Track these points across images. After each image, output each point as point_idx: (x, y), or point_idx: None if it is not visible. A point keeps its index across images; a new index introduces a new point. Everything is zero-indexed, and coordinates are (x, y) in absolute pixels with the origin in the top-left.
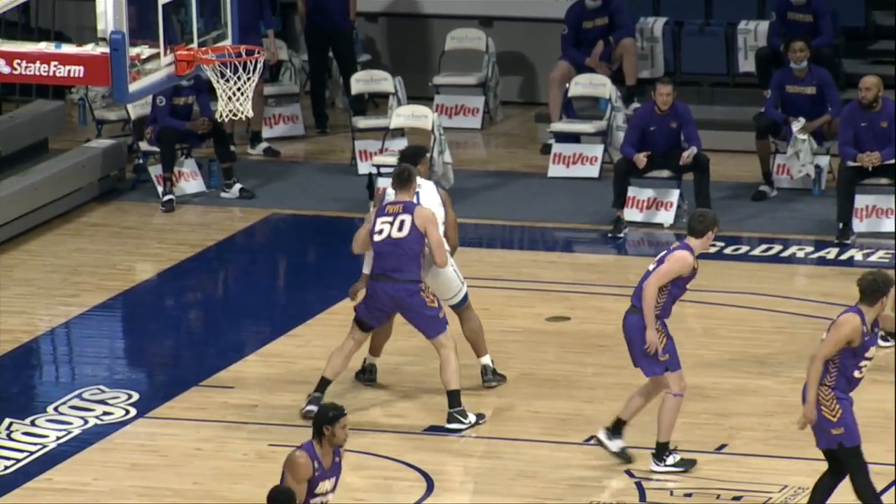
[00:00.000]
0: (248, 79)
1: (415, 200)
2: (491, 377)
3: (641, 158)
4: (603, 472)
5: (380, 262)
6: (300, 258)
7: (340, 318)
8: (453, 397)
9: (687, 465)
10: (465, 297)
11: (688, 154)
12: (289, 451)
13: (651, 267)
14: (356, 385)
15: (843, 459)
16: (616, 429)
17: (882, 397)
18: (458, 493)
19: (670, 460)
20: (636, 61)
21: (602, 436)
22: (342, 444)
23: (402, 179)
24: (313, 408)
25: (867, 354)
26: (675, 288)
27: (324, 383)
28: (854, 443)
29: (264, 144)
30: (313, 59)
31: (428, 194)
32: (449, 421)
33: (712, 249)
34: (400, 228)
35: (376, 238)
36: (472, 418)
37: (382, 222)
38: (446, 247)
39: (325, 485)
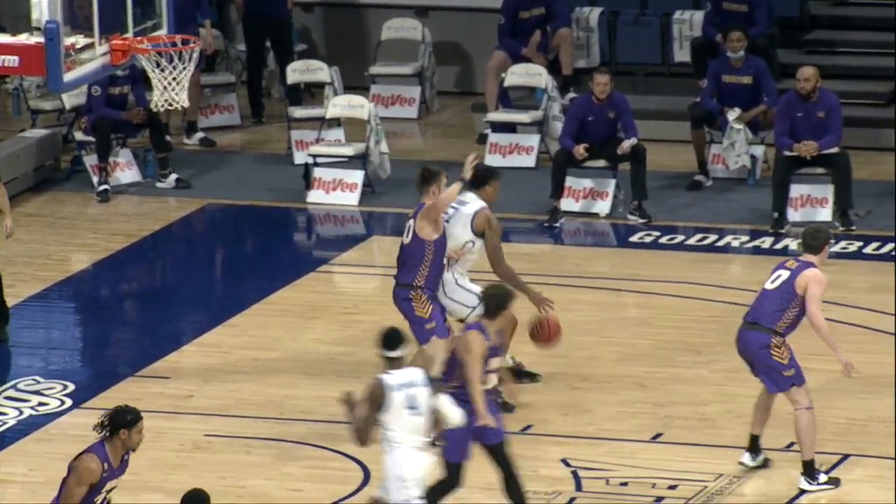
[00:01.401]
0: (184, 69)
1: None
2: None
3: (581, 151)
4: (539, 461)
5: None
6: (236, 248)
7: (277, 308)
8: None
9: (835, 483)
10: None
11: (627, 144)
12: (226, 441)
13: (770, 286)
14: (295, 372)
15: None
16: (754, 446)
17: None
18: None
19: (822, 478)
20: (572, 51)
21: (746, 459)
22: (136, 448)
23: (421, 180)
24: None
25: None
26: (802, 307)
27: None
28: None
29: (200, 134)
30: (251, 48)
31: (463, 216)
32: None
33: (648, 239)
34: (407, 233)
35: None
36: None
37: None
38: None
39: (111, 483)
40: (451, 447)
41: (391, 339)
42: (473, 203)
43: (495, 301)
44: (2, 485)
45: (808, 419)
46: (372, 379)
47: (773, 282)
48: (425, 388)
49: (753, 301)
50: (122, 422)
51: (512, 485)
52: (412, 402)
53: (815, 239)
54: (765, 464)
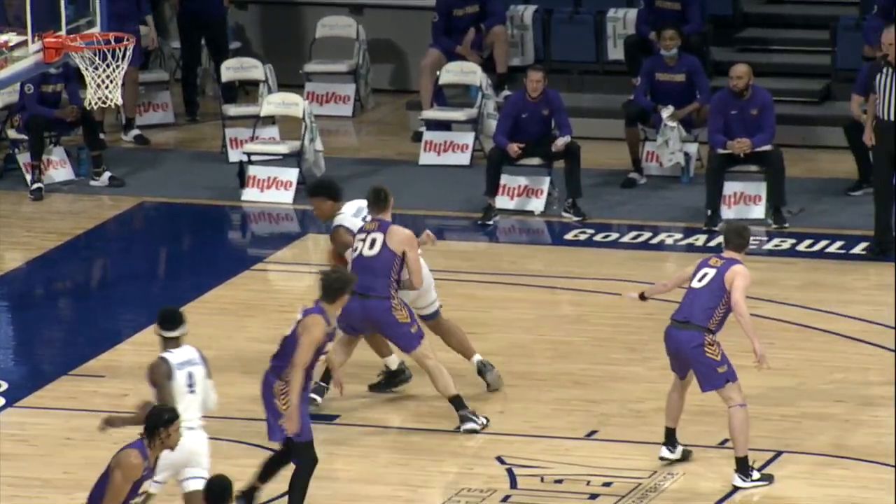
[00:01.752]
0: (117, 66)
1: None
2: (489, 369)
3: (515, 149)
4: (474, 458)
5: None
6: (171, 246)
7: (212, 306)
8: (457, 402)
9: (769, 479)
10: (438, 311)
11: (561, 142)
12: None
13: (697, 284)
14: (230, 370)
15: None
16: (671, 439)
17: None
18: (328, 480)
19: (755, 475)
20: (507, 49)
21: (665, 453)
22: (175, 446)
23: (378, 200)
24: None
25: None
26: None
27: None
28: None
29: (135, 131)
30: (186, 46)
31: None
32: (463, 421)
33: (583, 237)
34: (371, 246)
35: (350, 255)
36: (483, 420)
37: (358, 240)
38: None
39: (146, 485)
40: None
41: (170, 318)
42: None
43: (337, 284)
44: None
45: (742, 416)
46: (155, 359)
47: (700, 280)
48: (201, 366)
49: (682, 300)
50: (160, 420)
51: (254, 487)
52: (190, 381)
53: (739, 237)
54: (685, 456)
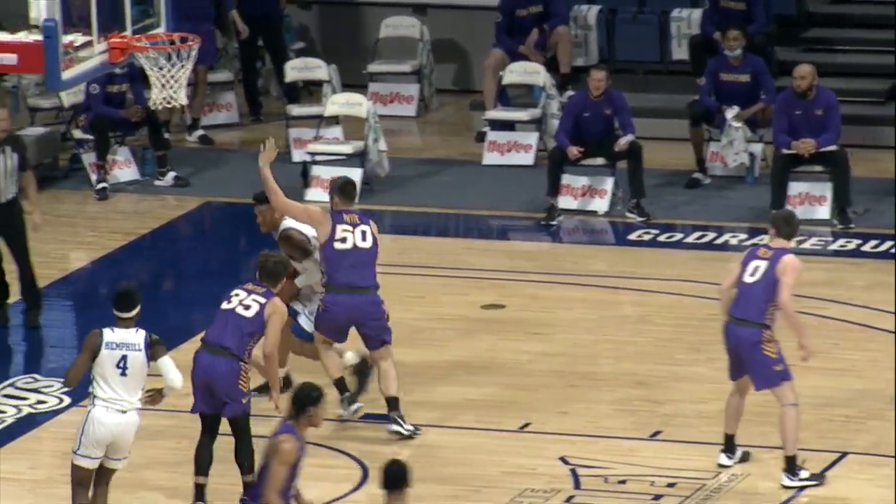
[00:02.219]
0: (182, 67)
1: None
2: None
3: (574, 152)
4: (538, 459)
5: (342, 273)
6: (235, 246)
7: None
8: (395, 403)
9: (819, 479)
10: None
11: (624, 141)
12: (225, 439)
13: (750, 279)
14: (294, 369)
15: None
16: (730, 445)
17: (818, 384)
18: None
19: (804, 474)
20: (570, 49)
21: (724, 460)
22: (320, 425)
23: (349, 191)
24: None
25: None
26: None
27: (341, 383)
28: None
29: (200, 132)
30: (244, 46)
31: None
32: (392, 423)
33: (646, 237)
34: (364, 238)
35: (340, 246)
36: (410, 427)
37: (344, 231)
38: None
39: (301, 463)
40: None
41: (126, 299)
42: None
43: (281, 267)
44: (2, 483)
45: (793, 415)
46: (94, 329)
47: (751, 275)
48: (141, 353)
49: (736, 297)
50: (309, 399)
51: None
52: (122, 363)
53: (788, 224)
54: (745, 457)
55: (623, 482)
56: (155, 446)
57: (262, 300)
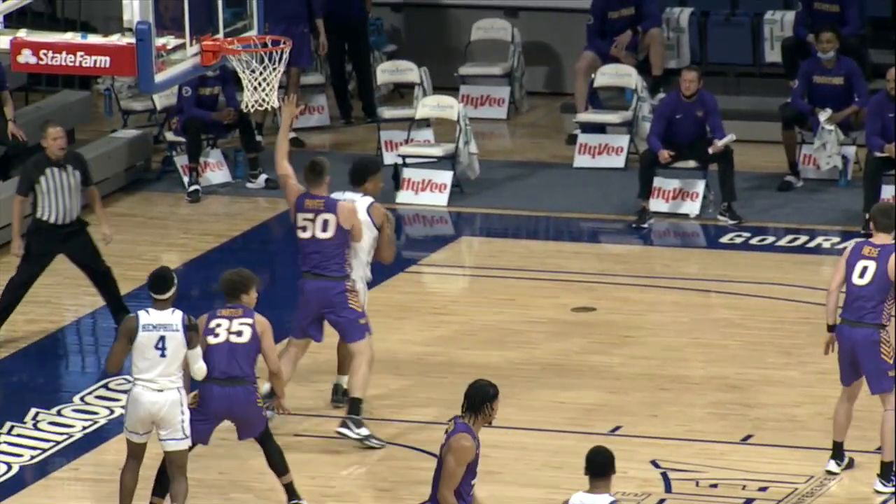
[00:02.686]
0: (274, 69)
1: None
2: (340, 397)
3: (665, 156)
4: (629, 462)
5: (306, 260)
6: None
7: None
8: (356, 405)
9: None
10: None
11: (721, 143)
12: (314, 441)
13: (860, 281)
14: (384, 372)
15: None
16: (838, 454)
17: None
18: (483, 482)
19: None
20: (662, 51)
21: (832, 467)
22: (492, 422)
23: (315, 173)
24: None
25: None
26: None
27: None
28: None
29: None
30: (331, 49)
31: (360, 212)
32: (342, 425)
33: (738, 240)
34: (324, 228)
35: (301, 235)
36: (364, 431)
37: (304, 220)
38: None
39: (478, 462)
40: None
41: (161, 281)
42: (361, 201)
43: (244, 279)
44: (91, 483)
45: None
46: (129, 314)
47: (861, 276)
48: (179, 333)
49: (847, 300)
50: (487, 395)
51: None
52: (161, 344)
53: (887, 217)
54: (850, 464)
55: (714, 486)
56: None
57: (249, 320)
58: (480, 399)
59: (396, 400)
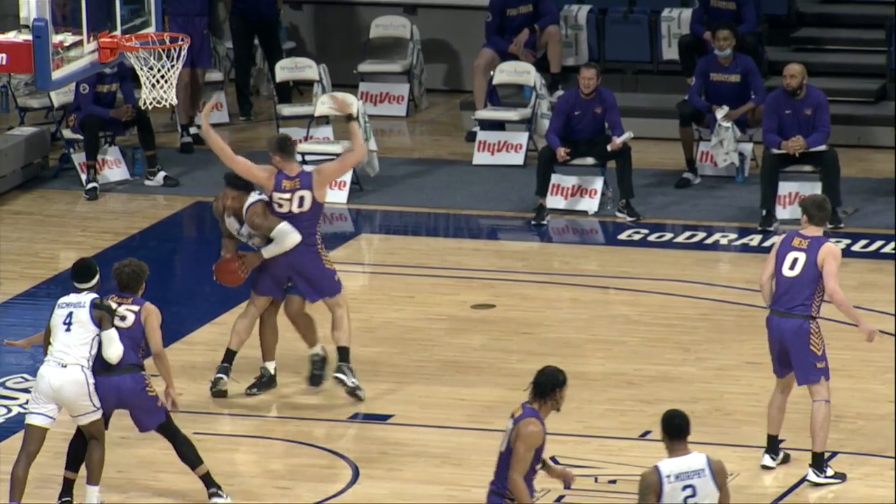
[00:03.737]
0: (172, 66)
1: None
2: (263, 382)
3: (562, 153)
4: None
5: None
6: None
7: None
8: (345, 352)
9: (842, 477)
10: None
11: (621, 139)
12: (216, 439)
13: (791, 273)
14: (282, 370)
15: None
16: (773, 448)
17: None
18: (383, 479)
19: (830, 472)
20: (561, 49)
21: (767, 461)
22: (560, 408)
23: (288, 151)
24: (223, 376)
25: None
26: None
27: (230, 354)
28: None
29: (189, 135)
30: (238, 46)
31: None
32: (338, 371)
33: (636, 237)
34: (300, 204)
35: (277, 210)
36: (356, 381)
37: (281, 199)
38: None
39: (545, 447)
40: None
41: (84, 270)
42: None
43: (137, 274)
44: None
45: (826, 412)
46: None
47: (791, 268)
48: (85, 310)
49: (777, 291)
50: (556, 381)
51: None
52: (68, 319)
53: (821, 210)
54: (786, 459)
55: (613, 482)
56: (148, 445)
57: (135, 308)
58: (550, 386)
59: (293, 396)
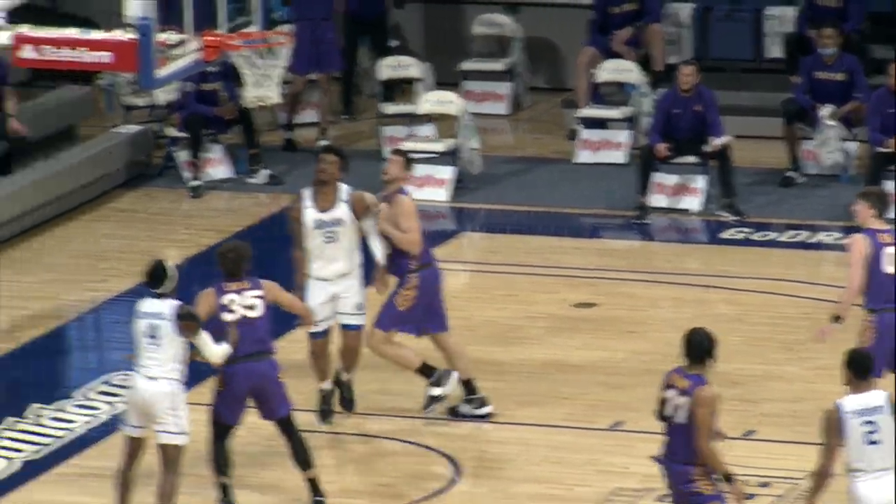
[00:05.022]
0: (275, 65)
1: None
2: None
3: (662, 150)
4: (629, 458)
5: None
6: None
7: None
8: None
9: None
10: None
11: (717, 143)
12: (308, 436)
13: (892, 269)
14: (376, 369)
15: None
16: None
17: None
18: (484, 478)
19: None
20: (664, 47)
21: None
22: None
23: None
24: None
25: None
26: None
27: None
28: None
29: (324, 141)
30: (349, 45)
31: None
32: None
33: (739, 236)
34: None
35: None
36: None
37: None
38: None
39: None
40: (225, 409)
41: (155, 274)
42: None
43: (244, 254)
44: (93, 478)
45: None
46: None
47: (890, 264)
48: (168, 322)
49: (883, 287)
50: (711, 343)
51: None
52: (151, 332)
53: (882, 202)
54: None
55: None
56: (248, 443)
57: (258, 292)
58: (704, 350)
59: (397, 395)
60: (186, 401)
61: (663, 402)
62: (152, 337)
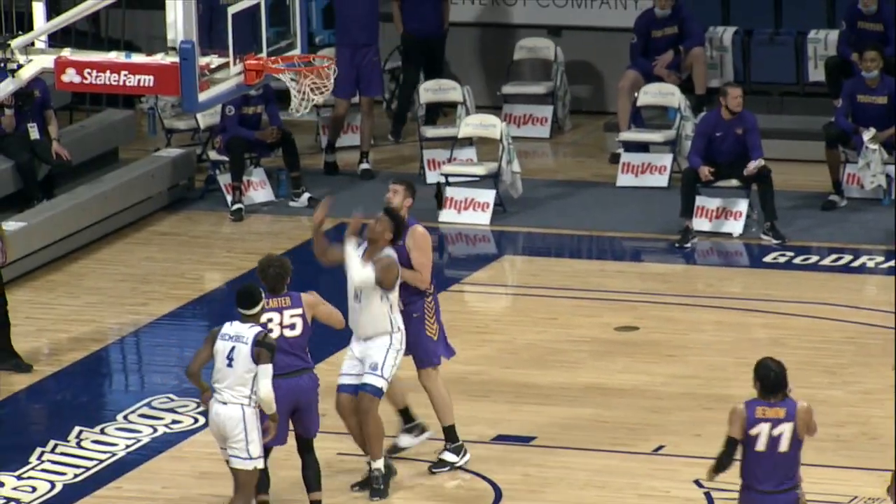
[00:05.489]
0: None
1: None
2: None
3: (706, 172)
4: (672, 482)
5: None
6: None
7: None
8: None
9: None
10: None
11: (753, 166)
12: (357, 459)
13: None
14: (417, 390)
15: None
16: None
17: None
18: (526, 501)
19: None
20: (706, 70)
21: None
22: None
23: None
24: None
25: None
26: None
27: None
28: None
29: (366, 165)
30: (408, 67)
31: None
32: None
33: (781, 259)
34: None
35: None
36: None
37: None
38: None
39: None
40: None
41: (248, 297)
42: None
43: (284, 268)
44: (135, 502)
45: None
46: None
47: None
48: (247, 346)
49: None
50: (786, 373)
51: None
52: (230, 354)
53: None
54: None
55: None
56: (292, 466)
57: (297, 311)
58: (782, 382)
59: (434, 418)
60: (259, 427)
61: (753, 438)
62: (230, 359)
